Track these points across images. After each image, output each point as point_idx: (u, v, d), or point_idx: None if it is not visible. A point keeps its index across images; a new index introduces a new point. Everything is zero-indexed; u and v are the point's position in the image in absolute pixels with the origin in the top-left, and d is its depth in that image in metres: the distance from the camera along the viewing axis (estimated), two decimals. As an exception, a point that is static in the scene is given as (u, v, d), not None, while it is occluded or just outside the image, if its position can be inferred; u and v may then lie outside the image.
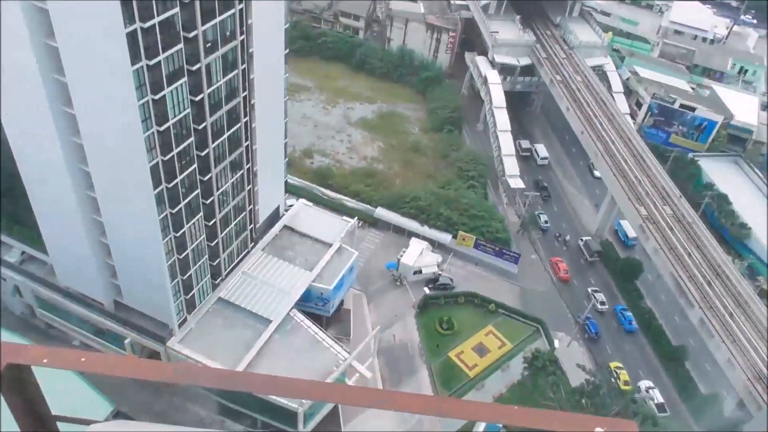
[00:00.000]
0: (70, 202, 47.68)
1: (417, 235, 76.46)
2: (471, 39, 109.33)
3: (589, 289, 76.41)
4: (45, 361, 4.64)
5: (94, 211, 48.51)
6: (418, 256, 72.79)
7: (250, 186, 57.27)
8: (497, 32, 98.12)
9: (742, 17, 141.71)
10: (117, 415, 49.18)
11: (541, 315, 70.31)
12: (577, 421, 4.28)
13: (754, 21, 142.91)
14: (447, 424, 57.37)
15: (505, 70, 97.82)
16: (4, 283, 60.37)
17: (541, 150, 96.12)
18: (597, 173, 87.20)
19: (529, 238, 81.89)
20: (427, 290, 71.55)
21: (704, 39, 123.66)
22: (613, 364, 68.28)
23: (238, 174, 54.41)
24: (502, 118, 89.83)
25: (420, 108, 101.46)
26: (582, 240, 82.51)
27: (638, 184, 75.88)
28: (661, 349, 70.07)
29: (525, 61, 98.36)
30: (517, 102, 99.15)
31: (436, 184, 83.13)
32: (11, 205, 58.44)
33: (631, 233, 79.38)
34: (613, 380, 65.18)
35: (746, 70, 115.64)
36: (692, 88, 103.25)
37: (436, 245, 76.54)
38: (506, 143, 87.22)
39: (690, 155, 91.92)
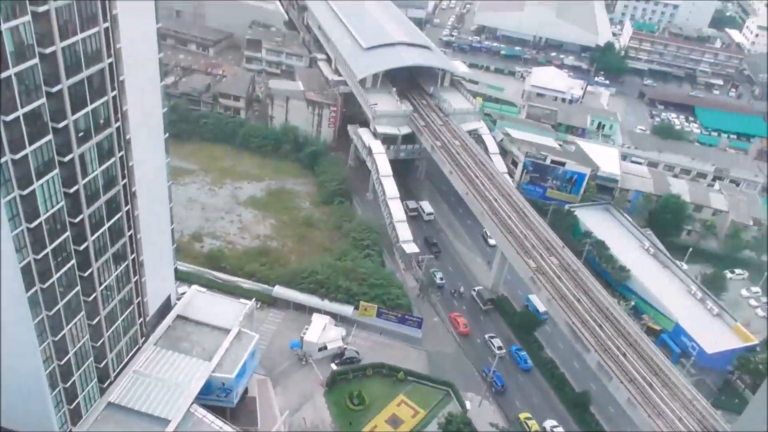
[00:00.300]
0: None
1: (318, 311, 74.98)
2: (352, 112, 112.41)
3: (486, 336, 78.49)
4: None
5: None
6: (322, 331, 71.13)
7: (137, 277, 54.12)
8: (376, 104, 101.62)
9: (594, 79, 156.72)
10: None
11: (449, 377, 70.36)
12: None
13: (607, 82, 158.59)
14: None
15: (387, 139, 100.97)
16: None
17: (426, 206, 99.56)
18: (492, 241, 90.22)
19: (429, 301, 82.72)
20: (334, 366, 69.62)
21: (563, 99, 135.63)
22: (522, 416, 69.17)
23: (123, 266, 51.33)
24: (390, 186, 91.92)
25: (309, 182, 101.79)
26: (474, 290, 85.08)
27: (524, 238, 79.48)
28: (565, 397, 71.93)
29: (405, 129, 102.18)
30: (402, 169, 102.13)
31: (332, 257, 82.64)
32: None
33: (542, 308, 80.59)
34: None
35: (603, 125, 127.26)
36: (559, 145, 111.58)
37: (338, 318, 75.29)
38: (396, 210, 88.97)
39: (566, 207, 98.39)
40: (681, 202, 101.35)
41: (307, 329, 71.00)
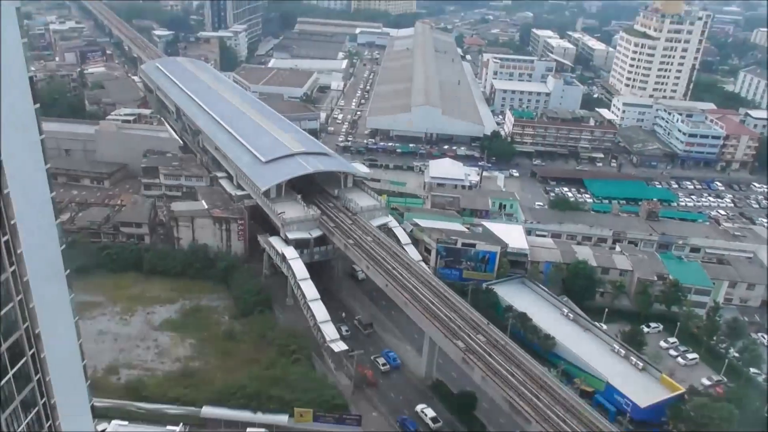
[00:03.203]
0: None
1: (253, 424, 71.35)
2: (260, 222, 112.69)
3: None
4: None
5: None
6: (259, 448, 67.46)
7: (50, 422, 49.69)
8: (284, 212, 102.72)
9: (488, 164, 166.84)
10: None
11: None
12: None
13: (499, 167, 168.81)
14: None
15: (300, 243, 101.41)
16: None
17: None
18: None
19: (365, 396, 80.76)
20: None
21: (463, 186, 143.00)
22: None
23: (33, 412, 47.13)
24: (309, 289, 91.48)
25: (225, 296, 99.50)
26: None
27: (449, 320, 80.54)
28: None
29: (316, 232, 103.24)
30: (319, 270, 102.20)
31: (260, 368, 79.93)
32: None
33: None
34: None
35: (504, 205, 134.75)
36: (467, 228, 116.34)
37: (273, 429, 71.75)
38: (319, 311, 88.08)
39: (484, 285, 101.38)
40: (588, 266, 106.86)
41: (241, 449, 67.23)
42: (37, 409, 47.56)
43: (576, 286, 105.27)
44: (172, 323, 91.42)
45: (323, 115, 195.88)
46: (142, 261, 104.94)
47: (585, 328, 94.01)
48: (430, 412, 78.07)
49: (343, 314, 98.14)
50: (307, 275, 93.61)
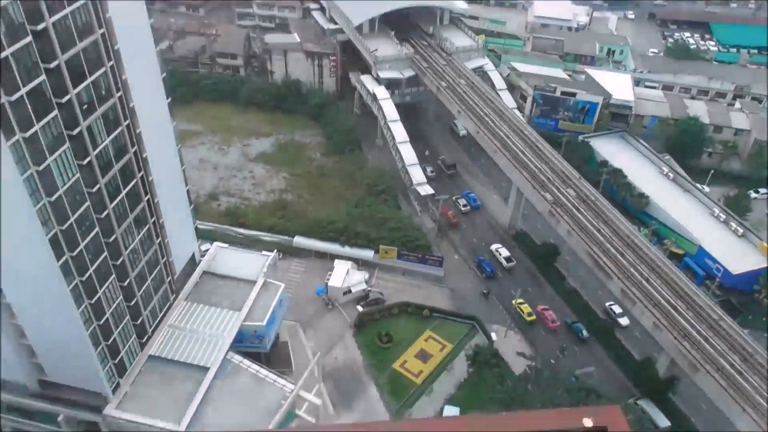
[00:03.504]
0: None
1: (340, 257, 75.99)
2: (353, 59, 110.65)
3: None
4: None
5: (-2, 293, 45.03)
6: (345, 276, 72.34)
7: (159, 239, 54.91)
8: (376, 50, 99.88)
9: (599, 3, 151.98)
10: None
11: (474, 311, 71.48)
12: (564, 416, 4.39)
13: (613, 5, 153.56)
14: None
15: (391, 84, 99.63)
16: None
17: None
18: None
19: (448, 240, 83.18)
20: (359, 308, 71.04)
21: (569, 28, 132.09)
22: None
23: (144, 229, 52.08)
24: (399, 131, 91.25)
25: (317, 133, 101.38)
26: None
27: (539, 172, 79.03)
28: (589, 325, 72.62)
29: (408, 72, 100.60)
30: (410, 112, 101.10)
31: (348, 204, 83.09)
32: None
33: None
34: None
35: (613, 51, 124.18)
36: (569, 75, 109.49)
37: (360, 263, 76.35)
38: (408, 154, 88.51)
39: (580, 137, 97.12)
40: (699, 123, 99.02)
41: (330, 275, 72.41)
42: (147, 226, 52.42)
43: (682, 145, 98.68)
44: (267, 156, 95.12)
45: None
46: (238, 93, 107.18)
47: (684, 189, 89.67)
48: (504, 252, 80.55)
49: (427, 152, 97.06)
50: (398, 117, 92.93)
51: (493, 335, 68.60)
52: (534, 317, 71.99)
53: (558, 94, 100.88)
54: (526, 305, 73.29)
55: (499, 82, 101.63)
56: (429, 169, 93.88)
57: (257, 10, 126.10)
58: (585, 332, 71.69)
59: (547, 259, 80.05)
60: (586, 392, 57.60)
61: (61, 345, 47.60)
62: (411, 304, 70.82)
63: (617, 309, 73.55)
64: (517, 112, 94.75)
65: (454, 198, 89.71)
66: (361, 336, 68.10)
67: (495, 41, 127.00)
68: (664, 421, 62.49)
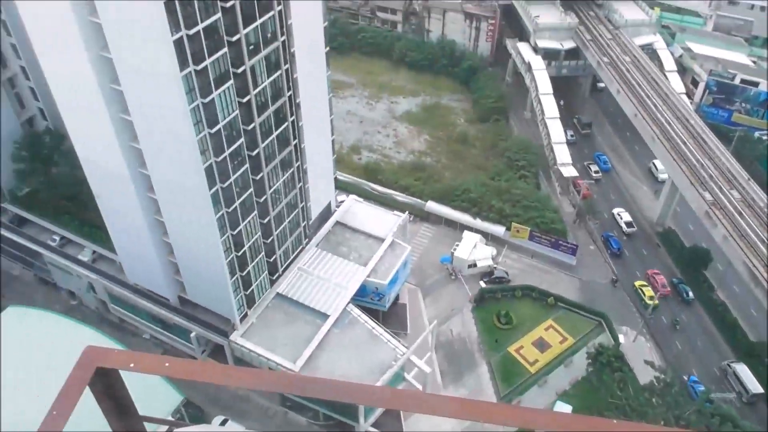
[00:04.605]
0: (133, 204, 48.97)
1: (470, 228, 74.70)
2: (511, 25, 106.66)
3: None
4: (131, 365, 4.92)
5: (155, 211, 49.78)
6: (472, 249, 71.08)
7: (301, 183, 56.99)
8: (538, 16, 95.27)
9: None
10: (187, 405, 49.61)
11: (603, 307, 67.65)
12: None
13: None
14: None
15: (548, 55, 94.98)
16: (79, 281, 62.60)
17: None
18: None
19: (587, 229, 79.01)
20: (482, 284, 69.80)
21: (762, 8, 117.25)
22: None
23: (289, 172, 54.14)
24: (550, 105, 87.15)
25: (464, 99, 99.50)
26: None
27: (700, 167, 72.19)
28: (737, 344, 66.04)
29: (569, 44, 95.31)
30: (564, 86, 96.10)
31: (486, 176, 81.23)
32: (81, 207, 62.00)
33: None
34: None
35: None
36: (753, 62, 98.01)
37: (489, 238, 74.65)
38: (556, 131, 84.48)
39: (756, 134, 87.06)
40: None
41: (457, 245, 71.40)
42: (292, 170, 54.50)
43: None
44: (412, 116, 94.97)
45: None
46: (392, 49, 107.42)
47: None
48: (626, 216, 78.27)
49: (561, 102, 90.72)
50: (551, 90, 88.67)
51: (621, 337, 64.54)
52: (656, 302, 68.06)
53: (737, 81, 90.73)
54: (648, 288, 69.90)
55: (669, 63, 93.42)
56: (570, 133, 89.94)
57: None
58: (690, 293, 70.00)
59: (696, 264, 73.45)
60: (720, 419, 52.89)
61: (202, 268, 51.51)
62: (536, 289, 68.37)
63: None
64: (684, 97, 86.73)
65: (585, 164, 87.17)
66: (480, 312, 66.94)
67: (671, 17, 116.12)
68: (756, 387, 58.81)
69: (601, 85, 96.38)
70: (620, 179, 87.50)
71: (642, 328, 66.45)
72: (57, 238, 63.56)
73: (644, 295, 69.32)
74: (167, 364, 4.84)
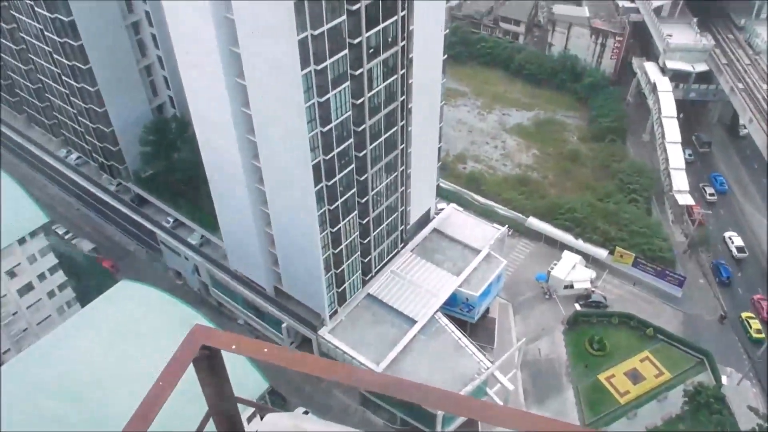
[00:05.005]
0: (243, 193, 52.08)
1: (570, 248, 73.00)
2: (639, 44, 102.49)
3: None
4: (233, 347, 5.16)
5: (262, 202, 52.60)
6: (571, 269, 69.46)
7: (403, 188, 58.10)
8: (671, 35, 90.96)
9: None
10: (271, 393, 52.09)
11: (707, 346, 63.87)
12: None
13: None
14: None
15: (676, 77, 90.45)
16: (186, 262, 67.33)
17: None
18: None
19: (698, 261, 74.71)
20: (578, 306, 68.01)
21: None
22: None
23: (393, 176, 55.39)
24: (672, 129, 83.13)
25: (580, 116, 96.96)
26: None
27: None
28: None
29: (701, 67, 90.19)
30: (689, 111, 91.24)
31: (594, 196, 78.94)
32: (194, 192, 65.76)
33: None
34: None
35: None
36: None
37: (590, 260, 72.56)
38: (675, 155, 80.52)
39: None
40: None
41: (555, 264, 70.00)
42: (396, 174, 55.77)
43: None
44: (523, 130, 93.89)
45: None
46: (511, 60, 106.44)
47: None
48: (738, 241, 74.30)
49: (681, 115, 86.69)
50: (675, 113, 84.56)
51: (724, 378, 60.67)
52: (763, 335, 64.15)
53: None
54: (756, 321, 65.67)
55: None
56: (688, 152, 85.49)
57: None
58: None
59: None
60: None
61: (299, 261, 53.94)
62: (634, 318, 65.72)
63: None
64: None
65: (700, 185, 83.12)
66: (572, 335, 65.37)
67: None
68: None
69: (745, 131, 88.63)
70: (736, 201, 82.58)
71: (749, 371, 62.10)
72: (171, 220, 68.04)
73: (750, 327, 65.48)
74: (266, 350, 5.05)
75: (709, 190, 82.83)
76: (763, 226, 78.03)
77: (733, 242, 74.88)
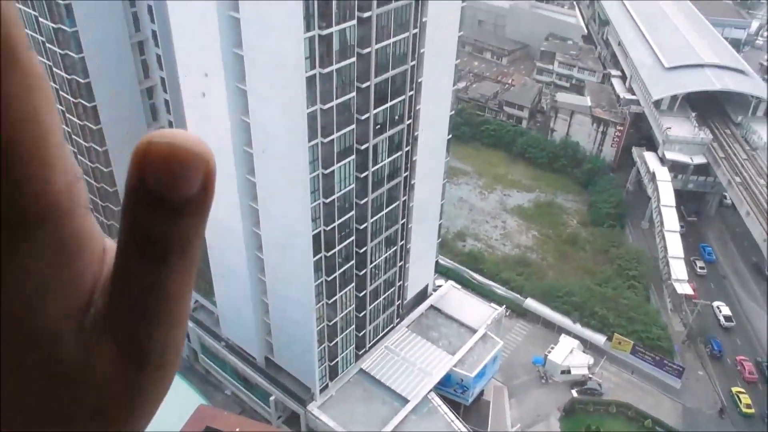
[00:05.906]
0: (241, 260, 52.12)
1: (568, 332, 72.21)
2: (639, 133, 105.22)
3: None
4: (237, 429, 4.86)
5: (260, 270, 52.60)
6: (568, 354, 68.46)
7: (402, 262, 58.32)
8: (670, 128, 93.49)
9: None
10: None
11: (706, 440, 62.17)
12: None
13: None
14: None
15: (675, 167, 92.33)
16: None
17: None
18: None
19: (697, 352, 73.73)
20: (574, 393, 66.59)
21: None
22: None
23: (392, 250, 55.75)
24: (671, 218, 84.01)
25: (580, 200, 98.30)
26: None
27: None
28: None
29: (699, 159, 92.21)
30: (688, 201, 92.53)
31: (592, 281, 78.91)
32: None
33: None
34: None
35: None
36: None
37: (588, 345, 71.65)
38: (674, 244, 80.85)
39: None
40: None
41: (552, 348, 69.05)
42: (395, 248, 56.13)
43: None
44: (523, 211, 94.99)
45: (754, 25, 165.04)
46: (513, 143, 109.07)
47: None
48: (726, 310, 74.79)
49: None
50: (674, 203, 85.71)
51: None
52: (753, 410, 64.07)
53: None
54: (746, 396, 65.26)
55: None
56: (700, 265, 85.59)
57: (557, 68, 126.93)
58: None
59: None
60: None
61: (293, 332, 53.24)
62: (632, 408, 64.22)
63: None
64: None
65: (691, 259, 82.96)
66: (568, 423, 63.57)
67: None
68: None
69: (728, 201, 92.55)
70: (723, 270, 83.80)
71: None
72: (164, 283, 67.66)
73: (740, 402, 65.24)
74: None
75: (699, 263, 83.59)
76: (748, 296, 78.94)
77: (720, 311, 75.33)
